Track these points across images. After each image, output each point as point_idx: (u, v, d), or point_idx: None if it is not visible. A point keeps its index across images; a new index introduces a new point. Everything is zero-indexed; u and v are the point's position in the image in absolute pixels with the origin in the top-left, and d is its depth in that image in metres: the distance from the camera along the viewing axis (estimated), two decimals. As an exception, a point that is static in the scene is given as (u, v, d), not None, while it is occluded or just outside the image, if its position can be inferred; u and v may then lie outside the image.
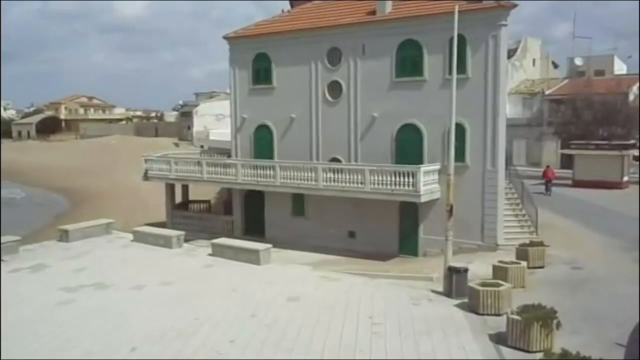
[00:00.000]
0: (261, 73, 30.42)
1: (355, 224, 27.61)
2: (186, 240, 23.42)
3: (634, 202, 29.21)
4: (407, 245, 26.21)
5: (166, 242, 22.35)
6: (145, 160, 33.28)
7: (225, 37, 31.41)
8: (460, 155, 23.16)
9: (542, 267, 19.82)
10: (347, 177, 25.65)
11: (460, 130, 23.17)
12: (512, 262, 18.21)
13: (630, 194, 34.29)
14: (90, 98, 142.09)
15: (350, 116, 27.68)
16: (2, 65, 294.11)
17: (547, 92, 52.96)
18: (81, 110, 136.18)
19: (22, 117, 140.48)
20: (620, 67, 58.77)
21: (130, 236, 23.80)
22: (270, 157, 29.90)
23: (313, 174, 26.67)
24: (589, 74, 54.40)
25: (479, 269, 19.02)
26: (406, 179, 23.95)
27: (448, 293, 16.61)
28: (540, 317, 12.56)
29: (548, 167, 38.65)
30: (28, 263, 19.74)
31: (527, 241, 21.44)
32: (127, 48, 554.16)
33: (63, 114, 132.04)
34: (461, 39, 21.22)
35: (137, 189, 46.32)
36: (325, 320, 14.29)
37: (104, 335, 13.34)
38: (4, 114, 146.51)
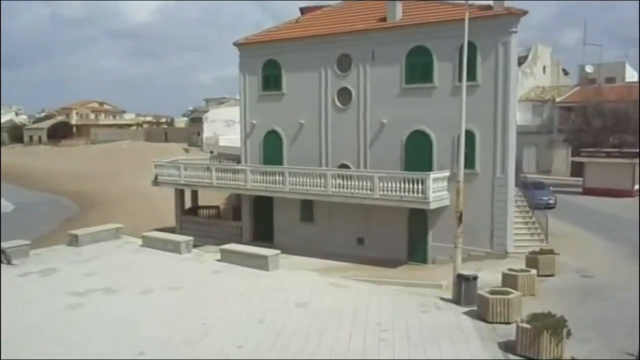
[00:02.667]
0: (271, 79, 30.51)
1: (364, 230, 27.57)
2: (195, 246, 23.46)
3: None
4: (416, 252, 26.12)
5: (175, 248, 22.39)
6: (155, 166, 33.43)
7: (235, 44, 31.55)
8: (470, 162, 23.10)
9: (552, 275, 19.68)
10: (356, 183, 25.64)
11: (470, 137, 23.13)
12: (522, 270, 18.10)
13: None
14: (101, 103, 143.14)
15: (359, 122, 27.68)
16: (14, 70, 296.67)
17: (557, 100, 52.77)
18: (92, 116, 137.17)
19: (34, 122, 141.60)
20: (631, 75, 58.44)
21: (140, 241, 23.87)
22: (280, 163, 29.94)
23: (322, 180, 26.68)
24: (600, 81, 54.18)
25: (488, 276, 18.90)
26: (415, 186, 23.90)
27: (457, 301, 16.52)
28: (550, 325, 12.46)
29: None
30: (38, 267, 19.84)
31: (537, 249, 21.31)
32: (136, 54, 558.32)
33: (74, 120, 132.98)
34: (471, 46, 21.23)
35: (147, 194, 46.52)
36: (333, 327, 14.25)
37: (112, 340, 13.37)
38: (16, 119, 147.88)
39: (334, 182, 26.33)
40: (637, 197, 36.58)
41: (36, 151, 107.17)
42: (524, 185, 32.90)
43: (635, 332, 13.70)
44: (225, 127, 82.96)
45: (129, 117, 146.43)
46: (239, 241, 27.61)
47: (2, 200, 58.54)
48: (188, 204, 35.50)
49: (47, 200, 60.56)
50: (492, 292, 15.34)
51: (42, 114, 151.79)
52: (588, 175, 39.58)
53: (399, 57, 26.27)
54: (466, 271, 17.08)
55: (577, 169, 44.33)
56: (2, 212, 51.28)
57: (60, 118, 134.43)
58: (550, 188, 36.21)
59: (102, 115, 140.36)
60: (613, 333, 14.18)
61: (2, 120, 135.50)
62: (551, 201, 33.81)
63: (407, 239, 26.45)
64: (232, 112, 70.88)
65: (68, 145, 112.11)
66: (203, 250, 24.39)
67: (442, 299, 17.16)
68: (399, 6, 26.76)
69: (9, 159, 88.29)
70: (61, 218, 48.00)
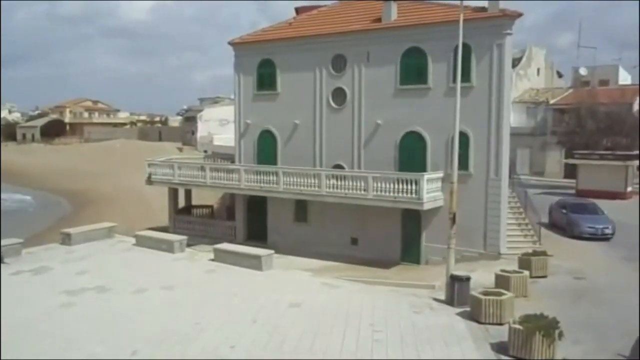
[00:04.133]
0: (266, 79, 30.49)
1: (357, 230, 27.59)
2: (188, 245, 23.45)
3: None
4: (410, 252, 26.16)
5: (168, 247, 22.36)
6: (149, 165, 33.34)
7: (230, 43, 31.51)
8: (463, 163, 23.15)
9: (544, 277, 19.73)
10: (350, 183, 25.65)
11: (463, 138, 23.18)
12: (515, 271, 18.14)
13: (635, 204, 34.16)
14: (95, 102, 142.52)
15: (354, 123, 27.70)
16: (9, 68, 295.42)
17: (551, 102, 52.96)
18: (86, 114, 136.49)
19: (27, 120, 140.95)
20: (625, 78, 58.76)
21: (133, 240, 23.83)
22: (274, 162, 29.92)
23: (316, 180, 26.69)
24: (594, 83, 54.44)
25: (481, 277, 18.98)
26: (409, 187, 23.93)
27: (450, 301, 16.57)
28: (543, 326, 12.51)
29: None
30: (31, 265, 19.77)
31: (530, 250, 21.38)
32: (131, 52, 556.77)
33: (68, 118, 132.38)
34: (466, 48, 21.26)
35: (141, 193, 46.39)
36: (327, 327, 14.26)
37: (105, 339, 13.33)
38: (9, 117, 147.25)
39: (328, 182, 26.33)
40: (630, 200, 36.80)
41: (29, 149, 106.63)
42: (563, 206, 28.48)
43: (628, 334, 13.77)
44: (219, 127, 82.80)
45: (123, 116, 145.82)
46: (233, 241, 27.62)
47: (22, 196, 59.06)
48: (182, 203, 35.43)
49: (40, 198, 60.31)
50: (485, 293, 15.39)
51: (36, 112, 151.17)
52: (581, 177, 39.73)
53: (393, 58, 26.31)
54: (459, 272, 17.14)
55: (570, 171, 44.51)
56: (22, 209, 51.80)
57: (53, 116, 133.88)
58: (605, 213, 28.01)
59: (96, 113, 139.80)
60: (605, 334, 14.24)
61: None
62: (608, 230, 26.04)
63: (401, 239, 26.48)
64: (227, 112, 70.77)
65: (61, 144, 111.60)
66: (196, 250, 24.35)
67: (435, 299, 17.21)
68: (394, 7, 26.80)
69: (2, 157, 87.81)
70: (54, 217, 47.79)
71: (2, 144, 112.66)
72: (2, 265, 19.63)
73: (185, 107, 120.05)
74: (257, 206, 30.76)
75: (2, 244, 20.52)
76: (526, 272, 18.25)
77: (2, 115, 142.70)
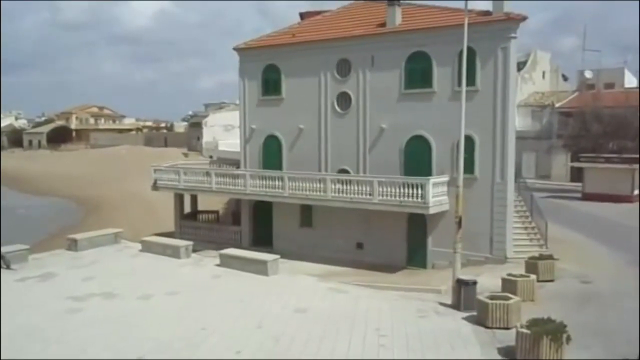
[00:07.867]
0: (270, 84, 30.55)
1: (363, 235, 27.56)
2: (194, 251, 23.42)
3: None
4: (415, 257, 26.10)
5: (174, 252, 22.35)
6: (155, 170, 33.41)
7: (235, 49, 31.60)
8: (469, 167, 23.12)
9: (551, 281, 19.65)
10: (356, 188, 25.64)
11: (469, 142, 23.16)
12: (521, 275, 18.05)
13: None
14: (101, 108, 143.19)
15: (359, 127, 27.71)
16: (15, 75, 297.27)
17: (556, 105, 52.85)
18: (92, 120, 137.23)
19: (33, 127, 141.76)
20: (630, 81, 58.48)
21: (139, 246, 23.83)
22: (279, 167, 29.94)
23: (321, 185, 26.69)
24: (599, 87, 54.23)
25: (487, 281, 18.87)
26: (415, 191, 23.90)
27: (456, 306, 16.50)
28: (550, 331, 12.43)
29: None
30: (37, 271, 19.79)
31: (537, 254, 21.29)
32: (136, 59, 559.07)
33: (74, 124, 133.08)
34: (471, 51, 21.25)
35: (147, 199, 46.47)
36: (333, 332, 14.22)
37: (111, 345, 13.33)
38: (16, 124, 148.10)
39: (333, 187, 26.33)
40: (636, 203, 36.61)
41: (36, 155, 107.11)
42: None
43: (635, 339, 13.67)
44: (224, 132, 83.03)
45: (128, 122, 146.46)
46: (239, 246, 27.60)
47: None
48: (187, 208, 35.48)
49: (46, 204, 60.52)
50: (492, 297, 15.31)
51: (42, 119, 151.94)
52: (587, 181, 39.63)
53: (398, 62, 26.32)
54: (465, 276, 17.06)
55: (576, 175, 44.38)
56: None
57: (59, 122, 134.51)
58: None
59: (102, 119, 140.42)
60: (613, 339, 14.15)
61: (2, 125, 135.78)
62: None
63: (407, 244, 26.44)
64: (232, 117, 70.97)
65: (68, 150, 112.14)
66: (202, 255, 24.31)
67: (441, 304, 17.14)
68: (398, 11, 26.84)
69: (9, 164, 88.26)
70: (60, 222, 47.90)
71: (9, 150, 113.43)
72: (8, 271, 19.66)
73: (190, 112, 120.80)
74: (262, 211, 30.77)
75: (9, 250, 20.60)
76: (533, 276, 18.16)
77: (8, 122, 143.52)
